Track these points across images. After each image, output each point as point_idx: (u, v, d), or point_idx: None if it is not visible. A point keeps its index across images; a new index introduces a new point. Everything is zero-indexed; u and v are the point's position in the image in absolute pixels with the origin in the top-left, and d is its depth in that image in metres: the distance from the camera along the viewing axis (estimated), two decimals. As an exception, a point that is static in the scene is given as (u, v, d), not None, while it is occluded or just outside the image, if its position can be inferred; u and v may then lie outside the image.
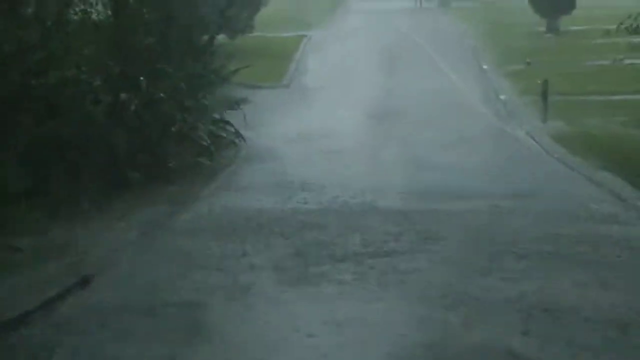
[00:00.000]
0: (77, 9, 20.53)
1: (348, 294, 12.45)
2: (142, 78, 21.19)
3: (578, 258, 14.42)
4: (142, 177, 19.72)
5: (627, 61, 38.92)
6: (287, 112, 34.28)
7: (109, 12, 22.30)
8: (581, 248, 15.08)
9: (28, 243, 14.77)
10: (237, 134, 26.35)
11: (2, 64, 16.69)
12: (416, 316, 11.36)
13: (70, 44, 19.03)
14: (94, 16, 21.50)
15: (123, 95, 20.51)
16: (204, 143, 23.18)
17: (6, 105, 16.23)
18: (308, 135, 29.27)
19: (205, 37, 26.04)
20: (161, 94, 21.41)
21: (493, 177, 22.83)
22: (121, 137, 19.56)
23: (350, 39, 56.44)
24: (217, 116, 25.69)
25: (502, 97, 38.07)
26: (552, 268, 13.83)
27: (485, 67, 45.62)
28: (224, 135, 25.66)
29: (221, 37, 34.94)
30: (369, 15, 71.55)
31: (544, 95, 32.16)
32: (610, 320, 10.97)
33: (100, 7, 22.07)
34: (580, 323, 10.95)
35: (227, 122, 26.07)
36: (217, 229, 16.65)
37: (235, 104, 26.06)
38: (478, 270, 13.53)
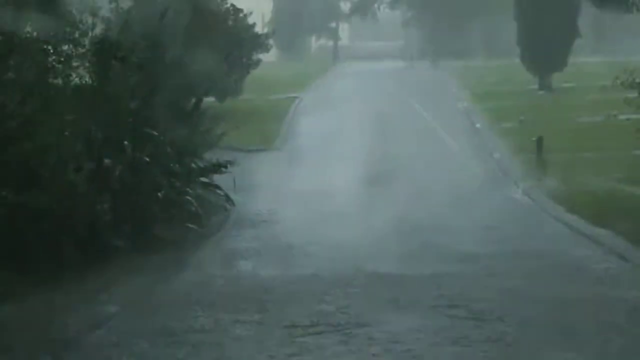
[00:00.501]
0: (58, 74, 20.02)
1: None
2: (126, 142, 20.59)
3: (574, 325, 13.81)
4: (127, 245, 19.04)
5: (622, 117, 38.29)
6: (279, 175, 33.89)
7: (92, 77, 21.58)
8: (581, 313, 14.53)
9: (5, 313, 14.11)
10: (227, 198, 25.75)
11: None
12: None
13: (50, 109, 18.41)
14: (76, 80, 20.99)
15: (107, 161, 19.92)
16: (192, 208, 22.52)
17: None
18: (299, 199, 28.68)
19: (192, 101, 25.61)
20: (146, 158, 20.81)
21: (489, 238, 22.33)
22: (104, 204, 18.97)
23: (343, 100, 55.75)
24: (205, 180, 25.09)
25: (496, 155, 37.39)
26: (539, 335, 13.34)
27: (478, 126, 45.04)
28: (213, 199, 24.97)
29: (210, 100, 34.50)
30: (362, 76, 71.04)
31: (539, 152, 31.69)
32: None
33: (81, 71, 21.33)
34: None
35: (217, 186, 25.44)
36: (200, 303, 15.91)
37: (222, 167, 25.31)
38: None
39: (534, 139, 32.79)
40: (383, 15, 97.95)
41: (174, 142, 22.63)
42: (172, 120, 23.39)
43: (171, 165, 21.92)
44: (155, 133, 21.57)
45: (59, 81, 20.12)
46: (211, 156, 25.69)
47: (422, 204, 27.47)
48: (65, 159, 18.57)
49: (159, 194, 20.84)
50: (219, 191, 25.60)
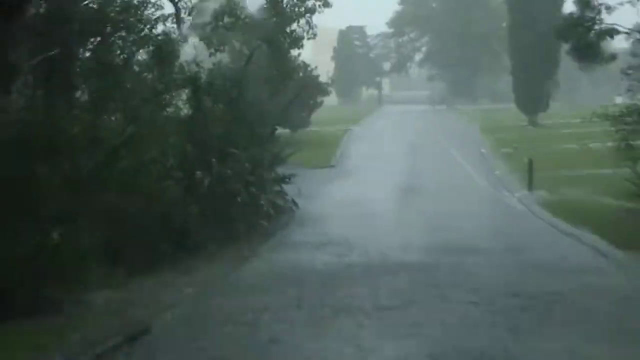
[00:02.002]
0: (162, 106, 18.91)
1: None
2: (213, 160, 19.28)
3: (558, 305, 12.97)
4: (211, 240, 17.62)
5: (591, 145, 36.72)
6: (333, 186, 32.50)
7: (189, 109, 20.51)
8: (562, 294, 13.61)
9: (104, 296, 12.63)
10: (293, 202, 24.29)
11: (90, 146, 14.58)
12: None
13: (155, 132, 17.08)
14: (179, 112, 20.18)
15: (198, 174, 18.62)
16: (265, 210, 21.19)
17: (92, 181, 14.01)
18: (349, 203, 27.48)
19: (268, 129, 24.41)
20: (229, 172, 19.50)
21: (491, 235, 21.37)
22: (194, 208, 17.61)
23: (382, 131, 55.18)
24: (277, 188, 23.70)
25: (496, 172, 35.89)
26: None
27: (483, 151, 43.72)
28: (282, 203, 23.46)
29: (285, 132, 33.27)
30: (397, 115, 70.49)
31: (530, 171, 30.20)
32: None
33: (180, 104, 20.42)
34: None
35: (285, 193, 24.03)
36: (261, 286, 14.53)
37: (287, 178, 23.95)
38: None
39: (525, 160, 31.28)
40: (414, 71, 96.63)
41: (252, 159, 21.27)
42: (252, 143, 22.15)
43: (248, 177, 20.48)
44: (236, 151, 20.24)
45: (165, 111, 19.09)
46: (283, 171, 24.57)
47: (438, 208, 26.32)
48: (164, 171, 17.28)
49: (238, 199, 19.48)
50: (287, 197, 24.17)
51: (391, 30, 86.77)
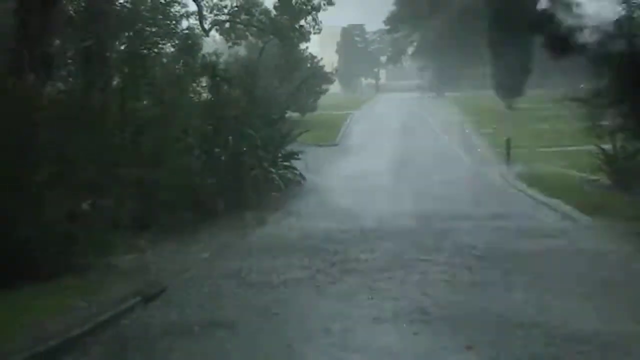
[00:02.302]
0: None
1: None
2: (230, 137, 18.91)
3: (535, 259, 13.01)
4: (228, 208, 17.30)
5: (560, 125, 36.26)
6: (336, 161, 31.70)
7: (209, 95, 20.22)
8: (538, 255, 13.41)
9: (128, 260, 12.26)
10: (301, 175, 23.93)
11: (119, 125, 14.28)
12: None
13: (173, 113, 16.77)
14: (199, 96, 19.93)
15: (216, 150, 18.27)
16: (276, 182, 20.86)
17: (121, 155, 13.70)
18: (349, 175, 26.94)
19: (279, 112, 24.09)
20: (244, 148, 19.13)
21: (475, 204, 20.98)
22: (213, 179, 17.31)
23: (378, 115, 54.73)
24: (287, 163, 23.38)
25: (478, 150, 35.33)
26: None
27: (467, 130, 42.97)
28: (291, 176, 23.14)
29: (295, 115, 33.01)
30: (391, 102, 69.74)
31: (508, 148, 29.83)
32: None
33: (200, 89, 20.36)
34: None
35: (294, 167, 23.68)
36: (270, 249, 14.15)
37: (295, 155, 23.59)
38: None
39: (503, 139, 30.85)
40: (407, 63, 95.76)
41: (264, 138, 20.94)
42: (264, 124, 21.79)
43: (261, 153, 20.14)
44: (251, 131, 19.89)
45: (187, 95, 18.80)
46: (292, 148, 24.22)
47: (427, 179, 25.88)
48: (185, 147, 16.95)
49: (252, 173, 19.18)
50: (295, 171, 23.84)
51: (387, 27, 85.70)
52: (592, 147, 23.46)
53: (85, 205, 11.48)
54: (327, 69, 47.96)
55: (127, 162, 13.50)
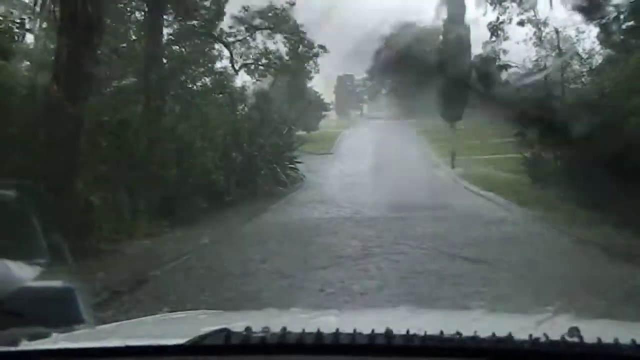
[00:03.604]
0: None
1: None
2: (244, 144, 16.40)
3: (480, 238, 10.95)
4: (240, 200, 14.78)
5: (490, 141, 33.83)
6: (331, 165, 28.97)
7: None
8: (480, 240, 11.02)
9: (136, 246, 9.70)
10: (302, 175, 21.39)
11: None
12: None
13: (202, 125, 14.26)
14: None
15: (233, 154, 15.74)
16: (282, 179, 18.34)
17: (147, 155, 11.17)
18: (341, 176, 24.29)
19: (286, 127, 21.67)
20: (255, 153, 16.61)
21: (429, 195, 18.26)
22: (230, 177, 14.77)
23: (361, 134, 51.76)
24: (292, 165, 20.86)
25: (432, 157, 32.63)
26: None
27: (422, 143, 40.39)
28: (295, 175, 20.61)
29: (303, 132, 30.91)
30: (370, 125, 66.44)
31: (452, 156, 27.43)
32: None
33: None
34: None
35: (297, 168, 21.13)
36: (267, 233, 11.51)
37: (295, 158, 21.09)
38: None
39: (448, 150, 28.47)
40: (382, 100, 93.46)
41: (273, 146, 18.40)
42: (274, 136, 19.26)
43: (269, 157, 17.60)
44: (262, 140, 17.36)
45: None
46: (298, 154, 21.65)
47: (395, 177, 22.48)
48: (203, 150, 14.39)
49: (262, 172, 16.64)
50: (297, 171, 21.24)
51: (367, 75, 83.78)
52: (512, 156, 21.27)
53: (95, 199, 8.95)
54: (327, 100, 45.38)
55: (152, 161, 10.98)
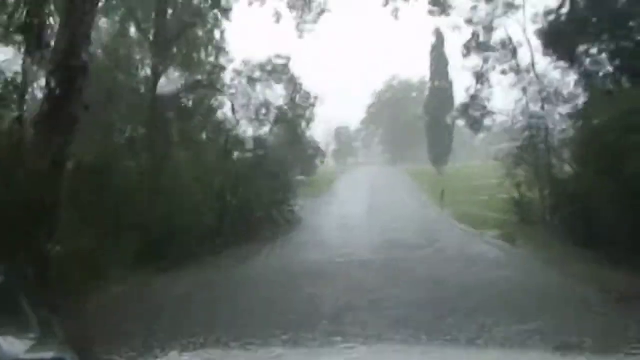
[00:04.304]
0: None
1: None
2: (240, 188, 14.96)
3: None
4: (234, 242, 13.19)
5: (475, 183, 32.45)
6: (327, 207, 27.12)
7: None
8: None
9: (101, 301, 8.01)
10: (299, 217, 19.87)
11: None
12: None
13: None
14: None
15: (228, 197, 14.30)
16: (278, 221, 16.87)
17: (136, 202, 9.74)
18: (337, 217, 22.44)
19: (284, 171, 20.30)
20: (251, 196, 15.20)
21: (422, 235, 16.98)
22: (224, 219, 13.28)
23: (356, 178, 50.34)
24: (289, 208, 19.35)
25: (423, 198, 31.06)
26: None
27: (413, 185, 38.88)
28: (290, 217, 19.05)
29: (302, 177, 29.56)
30: (365, 170, 65.22)
31: (442, 197, 25.89)
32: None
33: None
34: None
35: (293, 211, 19.58)
36: (259, 276, 9.94)
37: (292, 202, 19.55)
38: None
39: (437, 192, 27.03)
40: (375, 148, 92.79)
41: (270, 189, 16.93)
42: (271, 180, 17.76)
43: (265, 200, 16.09)
44: (259, 183, 15.88)
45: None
46: (296, 197, 20.19)
47: (388, 217, 21.32)
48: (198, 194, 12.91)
49: (257, 214, 15.15)
50: (294, 214, 19.68)
51: (361, 126, 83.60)
52: (499, 197, 19.82)
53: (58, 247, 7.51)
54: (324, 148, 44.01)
55: (145, 207, 9.56)
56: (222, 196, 13.83)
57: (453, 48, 50.40)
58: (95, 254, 8.14)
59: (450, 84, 44.87)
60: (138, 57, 20.11)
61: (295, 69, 24.69)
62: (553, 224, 17.78)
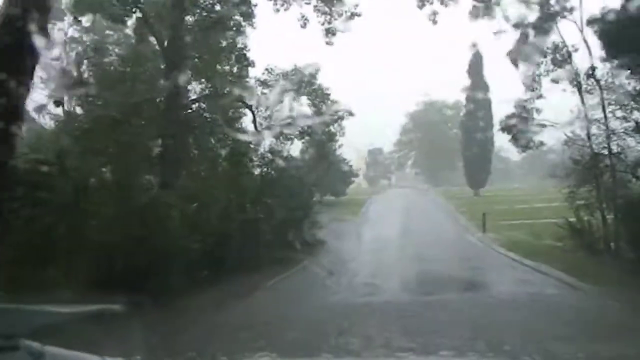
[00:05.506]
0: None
1: None
2: (247, 205, 12.31)
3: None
4: (234, 270, 10.38)
5: (518, 206, 29.08)
6: (356, 230, 24.17)
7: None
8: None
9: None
10: (322, 240, 17.02)
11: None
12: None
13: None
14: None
15: (231, 215, 11.50)
16: (294, 244, 13.97)
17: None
18: (365, 242, 20.05)
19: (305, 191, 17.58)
20: (260, 215, 12.46)
21: (465, 266, 13.99)
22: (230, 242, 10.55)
23: (389, 199, 47.18)
24: (308, 230, 16.58)
25: (461, 221, 27.79)
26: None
27: (449, 208, 35.49)
28: (311, 240, 16.21)
29: (331, 197, 26.95)
30: (398, 192, 62.07)
31: (484, 220, 22.68)
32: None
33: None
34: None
35: (314, 234, 16.76)
36: (242, 325, 7.07)
37: (315, 226, 16.74)
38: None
39: (475, 215, 23.97)
40: (408, 170, 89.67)
41: (285, 208, 14.12)
42: (288, 198, 14.99)
43: (275, 221, 13.24)
44: (269, 201, 13.10)
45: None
46: (322, 220, 17.42)
47: (424, 245, 18.22)
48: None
49: (267, 236, 12.32)
50: (317, 236, 16.88)
51: (395, 149, 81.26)
52: (543, 221, 17.81)
53: None
54: (354, 167, 41.35)
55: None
56: (225, 215, 11.12)
57: (493, 62, 47.16)
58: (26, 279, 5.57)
59: (489, 101, 41.80)
60: (151, 65, 18.03)
61: (323, 79, 22.20)
62: (620, 253, 14.58)
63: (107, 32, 22.81)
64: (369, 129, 53.23)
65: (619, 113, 15.80)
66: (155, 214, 8.41)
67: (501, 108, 23.81)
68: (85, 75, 18.74)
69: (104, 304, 3.58)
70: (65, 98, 17.90)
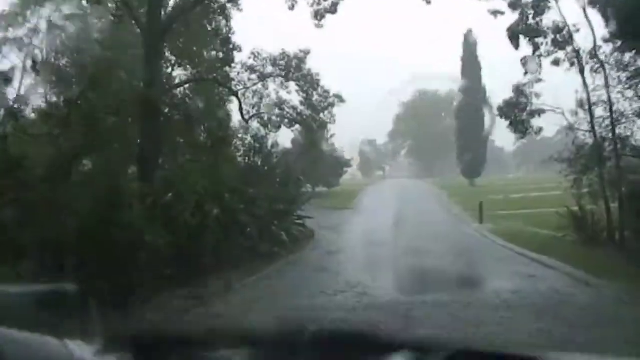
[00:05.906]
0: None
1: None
2: (226, 195, 11.06)
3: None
4: (217, 266, 9.34)
5: (514, 195, 28.19)
6: (348, 221, 23.10)
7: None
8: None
9: None
10: (311, 232, 15.90)
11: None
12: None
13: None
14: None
15: (206, 207, 10.33)
16: (279, 238, 12.77)
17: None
18: (357, 234, 18.83)
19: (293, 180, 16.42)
20: (241, 206, 11.29)
21: (464, 261, 13.07)
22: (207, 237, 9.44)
23: (382, 189, 46.35)
24: (298, 221, 15.41)
25: (454, 211, 26.82)
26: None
27: (444, 198, 34.42)
28: (298, 233, 15.04)
29: (322, 189, 25.91)
30: (392, 183, 61.27)
31: (480, 210, 21.65)
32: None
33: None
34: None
35: (304, 225, 15.65)
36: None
37: (302, 214, 15.60)
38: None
39: (470, 205, 23.12)
40: (402, 160, 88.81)
41: (269, 198, 12.98)
42: (270, 186, 13.91)
43: (258, 211, 12.11)
44: (250, 190, 11.99)
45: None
46: (314, 211, 16.45)
47: (418, 235, 17.21)
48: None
49: (247, 229, 11.18)
50: (301, 228, 15.69)
51: (388, 139, 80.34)
52: (539, 211, 17.80)
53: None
54: (347, 156, 40.37)
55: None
56: (199, 206, 9.98)
57: (489, 47, 45.89)
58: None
59: (484, 89, 40.65)
60: (131, 50, 16.87)
61: (316, 69, 20.98)
62: (625, 244, 13.64)
63: (89, 19, 21.66)
64: (363, 119, 52.14)
65: (629, 93, 14.76)
66: (115, 205, 7.33)
67: (497, 96, 22.75)
68: (64, 62, 17.65)
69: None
70: (45, 88, 16.84)
